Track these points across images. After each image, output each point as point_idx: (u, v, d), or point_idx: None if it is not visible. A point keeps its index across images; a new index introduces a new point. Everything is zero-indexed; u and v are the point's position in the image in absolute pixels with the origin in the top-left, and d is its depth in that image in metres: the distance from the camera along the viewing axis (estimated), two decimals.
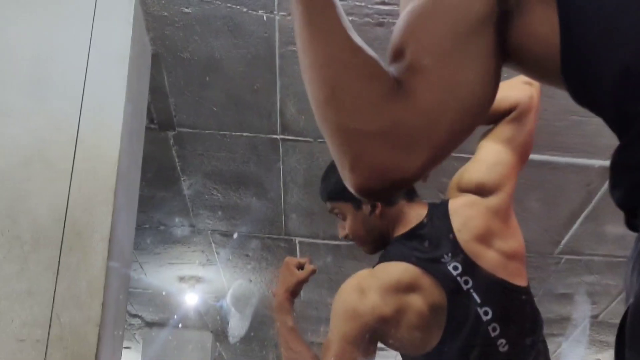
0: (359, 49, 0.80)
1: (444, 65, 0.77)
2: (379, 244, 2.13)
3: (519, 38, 0.79)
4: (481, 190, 2.03)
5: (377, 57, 0.80)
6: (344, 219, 2.14)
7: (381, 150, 0.77)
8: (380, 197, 0.82)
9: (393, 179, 0.78)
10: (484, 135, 2.12)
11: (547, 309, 5.93)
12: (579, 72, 0.75)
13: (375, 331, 1.92)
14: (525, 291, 2.00)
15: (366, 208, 2.09)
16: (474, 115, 0.80)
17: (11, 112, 2.77)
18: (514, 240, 2.03)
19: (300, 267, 2.18)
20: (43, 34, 2.89)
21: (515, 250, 2.01)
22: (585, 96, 0.76)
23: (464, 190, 2.06)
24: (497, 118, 2.08)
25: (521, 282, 1.99)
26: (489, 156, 2.06)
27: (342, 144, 0.78)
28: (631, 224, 0.73)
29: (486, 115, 0.82)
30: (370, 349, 1.93)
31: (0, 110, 2.77)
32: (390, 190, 0.80)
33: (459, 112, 0.78)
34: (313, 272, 2.18)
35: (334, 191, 2.11)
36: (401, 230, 2.07)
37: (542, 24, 0.77)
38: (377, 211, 2.07)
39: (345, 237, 2.18)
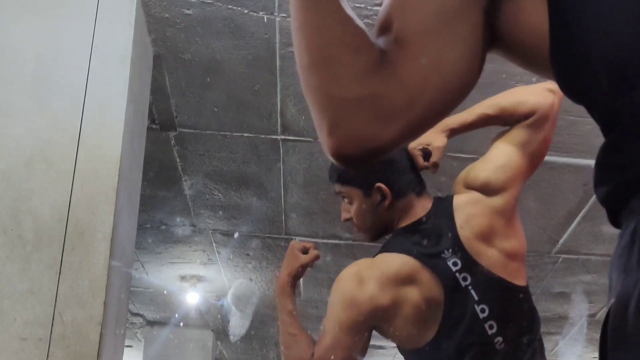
0: (349, 19, 0.81)
1: (429, 42, 0.78)
2: (380, 233, 2.13)
3: (508, 23, 0.80)
4: (486, 189, 2.03)
5: (366, 30, 0.81)
6: (350, 203, 2.12)
7: (359, 118, 0.79)
8: (354, 164, 0.83)
9: (368, 147, 0.80)
10: (499, 135, 2.11)
11: (544, 308, 5.94)
12: (568, 63, 0.75)
13: (371, 321, 1.93)
14: (524, 290, 2.00)
15: (375, 197, 2.07)
16: (454, 94, 0.81)
17: (14, 112, 2.79)
18: (515, 240, 2.03)
19: (305, 251, 2.16)
20: (46, 35, 2.91)
21: (516, 250, 2.01)
22: (574, 87, 0.77)
23: (469, 187, 2.06)
24: (514, 120, 2.07)
25: (520, 281, 1.99)
26: (499, 157, 2.06)
27: (322, 109, 0.80)
28: (614, 221, 0.74)
29: (466, 96, 0.82)
30: (365, 338, 1.93)
31: (3, 111, 2.79)
32: (365, 158, 0.81)
33: (440, 89, 0.79)
34: (317, 257, 2.15)
35: (345, 174, 2.09)
36: (405, 222, 2.07)
37: (531, 11, 0.77)
38: (386, 202, 2.06)
39: (347, 220, 2.16)
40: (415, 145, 2.11)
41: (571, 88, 0.77)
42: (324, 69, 0.80)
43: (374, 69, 0.78)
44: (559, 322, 6.44)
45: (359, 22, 0.81)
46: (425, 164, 2.11)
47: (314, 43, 0.80)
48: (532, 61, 0.82)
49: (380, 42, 0.81)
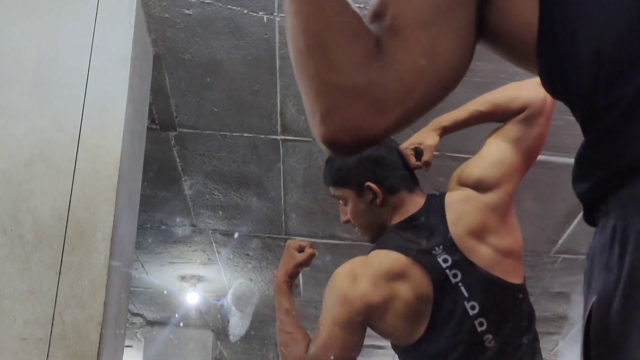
0: (346, 4, 0.80)
1: (424, 32, 0.78)
2: (380, 233, 2.13)
3: (498, 15, 0.80)
4: (479, 186, 2.03)
5: (362, 17, 0.81)
6: (346, 204, 2.14)
7: (353, 106, 0.78)
8: (346, 152, 0.82)
9: (360, 136, 0.79)
10: (493, 132, 2.11)
11: (543, 308, 5.94)
12: (555, 58, 0.75)
13: (365, 318, 1.94)
14: (520, 289, 1.99)
15: (367, 196, 2.08)
16: (447, 85, 0.81)
17: (14, 112, 2.80)
18: (510, 237, 2.02)
19: (301, 249, 2.18)
20: (46, 35, 2.91)
21: (511, 247, 2.01)
22: (558, 83, 0.77)
23: (463, 184, 2.06)
24: (507, 117, 2.07)
25: (516, 279, 1.98)
26: (493, 153, 2.06)
27: (316, 95, 0.79)
28: (590, 219, 0.75)
29: (457, 86, 0.82)
30: (360, 335, 1.95)
31: (3, 111, 2.79)
32: (357, 146, 0.81)
33: (434, 80, 0.79)
34: (312, 255, 2.17)
35: (337, 177, 2.11)
36: (398, 219, 2.07)
37: (522, 4, 0.78)
38: (378, 200, 2.07)
39: (346, 222, 2.18)
40: (407, 145, 2.12)
41: (555, 84, 0.77)
42: (320, 55, 0.78)
43: (370, 57, 0.78)
44: (559, 322, 6.44)
45: (356, 9, 0.81)
46: (417, 163, 2.12)
47: (310, 27, 0.79)
48: (518, 55, 0.82)
49: (374, 28, 0.80)
